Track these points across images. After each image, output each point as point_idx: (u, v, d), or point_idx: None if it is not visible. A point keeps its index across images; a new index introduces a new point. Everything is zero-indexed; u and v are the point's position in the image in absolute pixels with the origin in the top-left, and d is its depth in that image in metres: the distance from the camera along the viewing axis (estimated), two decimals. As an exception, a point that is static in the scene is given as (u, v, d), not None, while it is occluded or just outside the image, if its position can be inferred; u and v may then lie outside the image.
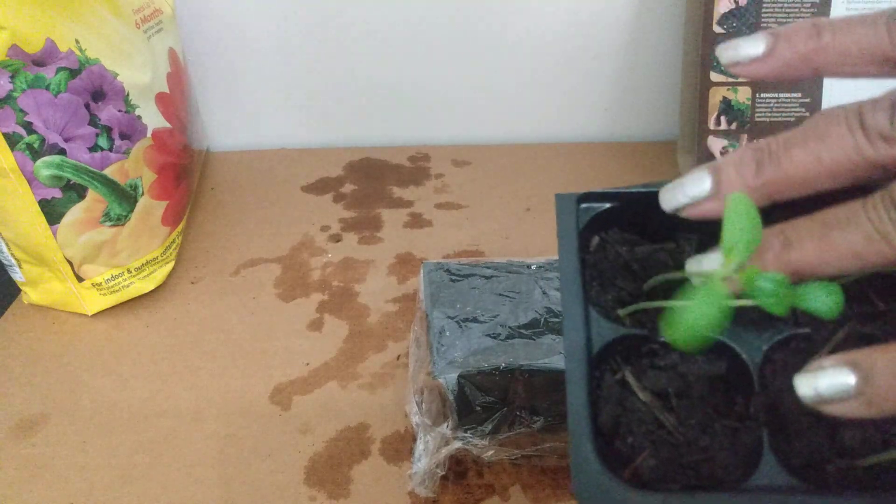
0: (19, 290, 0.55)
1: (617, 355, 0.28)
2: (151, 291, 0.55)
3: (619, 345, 0.28)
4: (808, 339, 0.28)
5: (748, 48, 0.25)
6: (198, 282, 0.57)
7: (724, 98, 0.61)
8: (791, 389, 0.24)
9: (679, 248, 0.29)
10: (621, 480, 0.24)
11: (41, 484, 0.42)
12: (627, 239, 0.31)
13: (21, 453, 0.44)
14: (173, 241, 0.57)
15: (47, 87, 0.45)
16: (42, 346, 0.52)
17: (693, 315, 0.23)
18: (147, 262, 0.54)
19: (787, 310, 0.24)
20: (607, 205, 0.30)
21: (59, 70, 0.45)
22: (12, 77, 0.44)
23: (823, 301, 0.24)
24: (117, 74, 0.49)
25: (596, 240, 0.31)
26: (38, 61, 0.44)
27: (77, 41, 0.46)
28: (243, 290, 0.56)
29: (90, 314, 0.54)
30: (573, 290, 0.28)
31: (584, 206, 0.30)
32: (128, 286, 0.54)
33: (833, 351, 0.26)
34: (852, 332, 0.27)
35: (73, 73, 0.46)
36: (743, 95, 0.61)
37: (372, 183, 0.69)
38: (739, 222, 0.24)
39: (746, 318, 0.27)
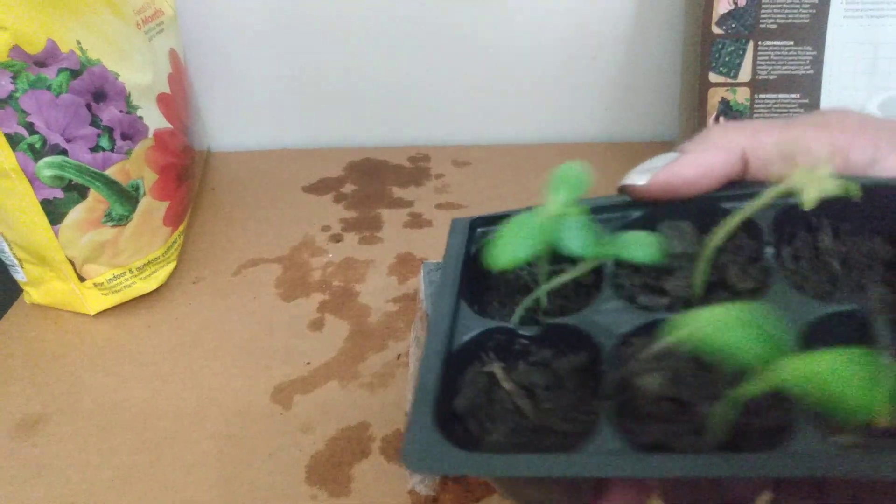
0: (21, 290, 0.56)
1: (490, 352, 0.28)
2: (153, 291, 0.55)
3: (489, 339, 0.28)
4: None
5: (632, 179, 0.30)
6: (199, 282, 0.57)
7: (723, 99, 0.62)
8: (644, 371, 0.25)
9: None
10: (452, 442, 0.23)
11: (42, 483, 0.42)
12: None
13: (22, 453, 0.44)
14: (175, 242, 0.57)
15: (49, 88, 0.45)
16: (43, 346, 0.52)
17: (512, 231, 0.25)
18: (148, 263, 0.54)
19: (590, 251, 0.25)
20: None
21: (60, 71, 0.45)
22: (14, 78, 0.44)
23: (639, 244, 0.26)
24: (118, 75, 0.49)
25: None
26: (40, 62, 0.44)
27: (78, 42, 0.46)
28: (244, 290, 0.56)
29: (92, 314, 0.54)
30: (448, 287, 0.29)
31: (480, 230, 0.32)
32: (129, 286, 0.54)
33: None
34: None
35: (75, 73, 0.46)
36: (742, 96, 0.61)
37: (372, 183, 0.69)
38: (567, 170, 0.28)
39: (608, 310, 0.27)
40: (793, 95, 0.61)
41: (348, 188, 0.69)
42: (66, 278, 0.52)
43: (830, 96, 0.60)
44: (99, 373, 0.49)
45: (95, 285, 0.52)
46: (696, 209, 0.30)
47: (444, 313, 0.28)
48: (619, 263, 0.30)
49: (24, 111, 0.45)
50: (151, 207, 0.54)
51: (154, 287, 0.55)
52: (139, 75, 0.51)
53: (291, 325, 0.53)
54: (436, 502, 0.40)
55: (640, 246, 0.26)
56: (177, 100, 0.57)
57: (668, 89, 0.73)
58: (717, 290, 0.28)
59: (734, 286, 0.28)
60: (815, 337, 0.25)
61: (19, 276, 0.53)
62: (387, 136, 0.76)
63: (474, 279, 0.31)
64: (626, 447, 0.22)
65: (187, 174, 0.60)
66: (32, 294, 0.54)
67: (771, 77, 0.61)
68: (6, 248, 0.51)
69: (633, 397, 0.25)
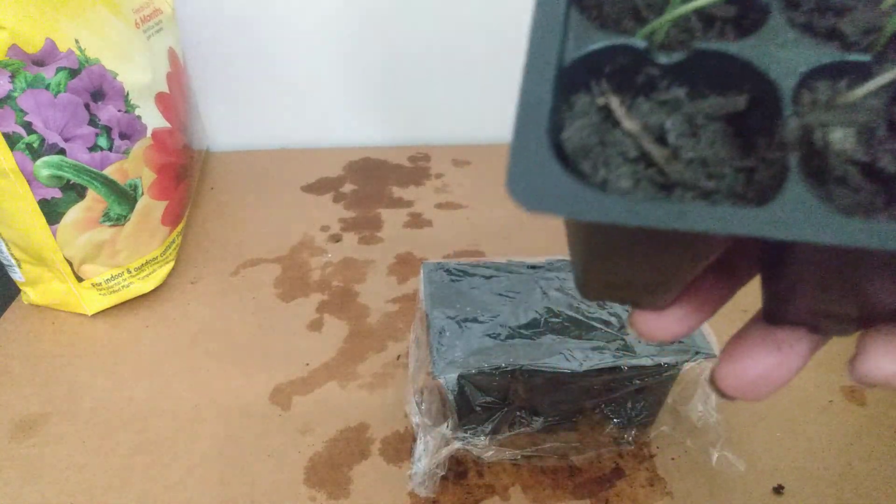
0: (19, 291, 0.55)
1: (603, 80, 0.21)
2: (151, 291, 0.55)
3: (606, 61, 0.21)
4: (866, 70, 0.20)
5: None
6: (197, 282, 0.57)
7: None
8: (839, 123, 0.18)
9: None
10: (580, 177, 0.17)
11: (41, 484, 0.42)
12: None
13: (21, 453, 0.44)
14: (173, 241, 0.57)
15: (47, 87, 0.45)
16: (42, 346, 0.52)
17: None
18: (147, 262, 0.54)
19: None
20: None
21: (58, 70, 0.45)
22: (12, 77, 0.43)
23: None
24: (117, 74, 0.49)
25: None
26: (38, 61, 0.44)
27: (77, 41, 0.46)
28: (243, 290, 0.56)
29: (90, 314, 0.53)
30: None
31: None
32: (127, 286, 0.54)
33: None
34: None
35: (73, 72, 0.46)
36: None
37: (372, 183, 0.69)
38: None
39: (782, 38, 0.20)
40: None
41: (348, 188, 0.68)
42: (63, 278, 0.51)
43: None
44: (97, 373, 0.49)
45: (93, 285, 0.52)
46: None
47: (554, 13, 0.19)
48: None
49: (22, 110, 0.44)
50: (150, 207, 0.54)
51: (152, 287, 0.55)
52: (138, 74, 0.51)
53: (290, 325, 0.53)
54: (436, 504, 0.40)
55: None
56: (175, 99, 0.57)
57: (668, 89, 0.73)
58: None
59: None
60: None
61: (17, 276, 0.53)
62: (387, 136, 0.76)
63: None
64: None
65: (186, 173, 0.60)
66: (30, 294, 0.54)
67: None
68: (4, 248, 0.51)
69: (819, 156, 0.19)
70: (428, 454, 0.38)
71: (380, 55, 0.71)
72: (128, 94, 0.50)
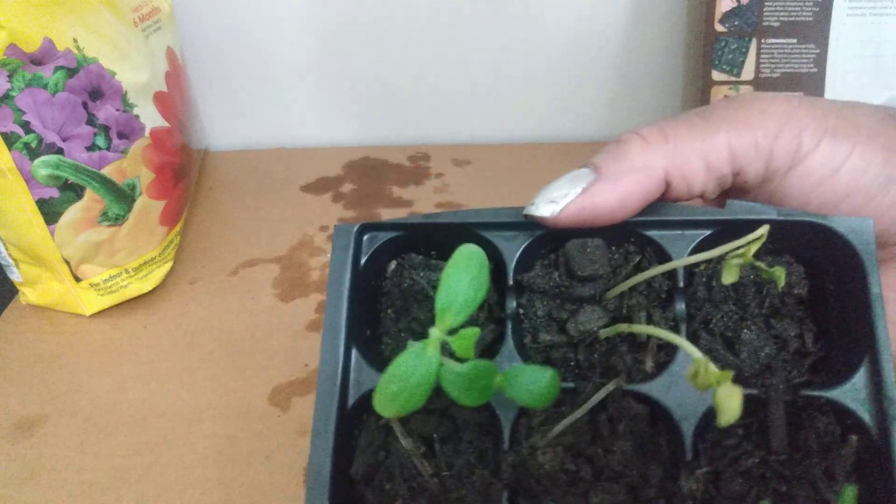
0: (17, 291, 0.55)
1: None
2: (149, 292, 0.55)
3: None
4: (573, 393, 0.27)
5: (538, 210, 0.27)
6: (196, 282, 0.57)
7: (726, 97, 0.61)
8: (545, 448, 0.25)
9: None
10: None
11: (39, 485, 0.42)
12: (427, 263, 0.30)
13: (19, 454, 0.44)
14: (171, 241, 0.57)
15: (45, 87, 0.45)
16: (40, 347, 0.51)
17: (397, 383, 0.21)
18: (145, 262, 0.54)
19: (485, 399, 0.23)
20: (394, 234, 0.29)
21: (56, 69, 0.45)
22: (10, 76, 0.43)
23: (530, 389, 0.23)
24: (115, 73, 0.49)
25: (393, 264, 0.30)
26: (36, 60, 0.44)
27: (75, 40, 0.46)
28: (242, 290, 0.56)
29: (88, 314, 0.53)
30: (335, 331, 0.27)
31: (370, 235, 0.29)
32: (125, 286, 0.53)
33: (598, 408, 0.26)
34: (617, 389, 0.26)
35: (71, 72, 0.46)
36: (744, 94, 0.61)
37: (371, 182, 0.69)
38: (458, 278, 0.22)
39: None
40: (796, 93, 0.61)
41: (347, 187, 0.68)
42: (61, 278, 0.51)
43: (834, 94, 0.60)
44: (96, 374, 0.49)
45: (91, 286, 0.52)
46: (609, 228, 0.28)
47: (332, 374, 0.26)
48: (525, 303, 0.29)
49: (19, 110, 0.44)
50: (148, 207, 0.53)
51: (150, 287, 0.55)
52: (136, 73, 0.51)
53: (290, 325, 0.52)
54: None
55: (536, 387, 0.23)
56: (174, 98, 0.57)
57: (670, 87, 0.72)
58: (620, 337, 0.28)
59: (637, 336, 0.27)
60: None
61: (15, 276, 0.52)
62: (386, 136, 0.75)
63: (365, 296, 0.29)
64: None
65: (184, 173, 0.60)
66: (28, 294, 0.53)
67: (774, 75, 0.60)
68: (1, 248, 0.51)
69: (536, 478, 0.25)
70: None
71: (380, 54, 0.71)
72: (126, 93, 0.50)
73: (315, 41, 0.70)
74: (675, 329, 0.27)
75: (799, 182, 0.27)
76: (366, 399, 0.26)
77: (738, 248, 0.24)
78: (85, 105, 0.47)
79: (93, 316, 0.53)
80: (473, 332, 0.22)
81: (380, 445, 0.27)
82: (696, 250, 0.28)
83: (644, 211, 0.27)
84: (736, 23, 0.60)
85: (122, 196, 0.51)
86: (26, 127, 0.45)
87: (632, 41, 0.70)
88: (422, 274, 0.30)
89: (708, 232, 0.27)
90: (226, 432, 0.44)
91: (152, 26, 0.54)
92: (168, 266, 0.56)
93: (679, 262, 0.26)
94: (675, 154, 0.27)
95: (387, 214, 0.64)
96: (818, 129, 0.27)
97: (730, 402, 0.19)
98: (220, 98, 0.73)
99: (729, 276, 0.24)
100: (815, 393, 0.26)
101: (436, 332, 0.22)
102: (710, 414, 0.25)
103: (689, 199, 0.29)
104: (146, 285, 0.54)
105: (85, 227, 0.50)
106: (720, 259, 0.25)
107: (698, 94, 0.62)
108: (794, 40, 0.59)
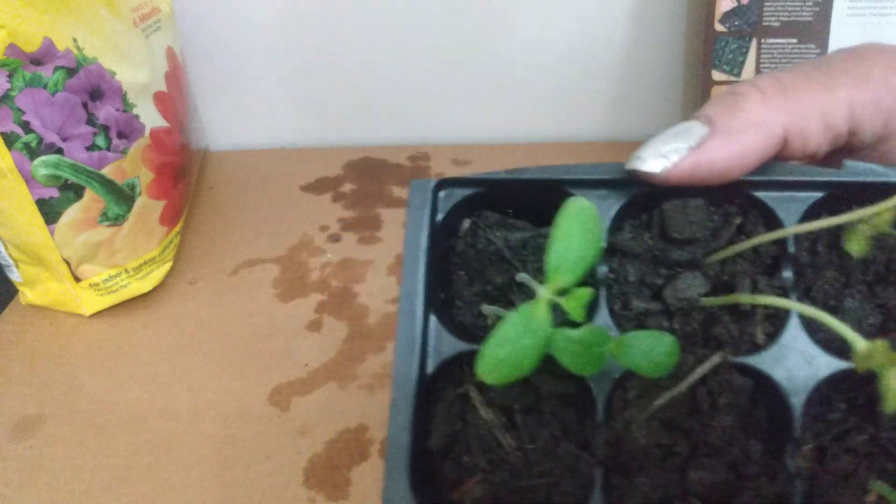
0: (17, 291, 0.55)
1: (465, 365, 0.26)
2: (149, 292, 0.55)
3: (465, 357, 0.25)
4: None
5: (646, 165, 0.25)
6: (196, 282, 0.57)
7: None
8: (640, 423, 0.23)
9: None
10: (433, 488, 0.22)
11: (39, 485, 0.42)
12: (504, 222, 0.28)
13: (19, 454, 0.44)
14: (171, 241, 0.57)
15: (45, 87, 0.45)
16: (40, 347, 0.51)
17: (505, 347, 0.20)
18: (145, 263, 0.54)
19: (597, 368, 0.21)
20: (473, 190, 0.27)
21: (56, 69, 0.45)
22: (10, 76, 0.43)
23: (649, 356, 0.21)
24: (115, 73, 0.49)
25: (467, 223, 0.28)
26: (36, 60, 0.44)
27: (75, 40, 0.46)
28: (241, 290, 0.56)
29: (88, 315, 0.53)
30: (412, 295, 0.25)
31: (446, 192, 0.27)
32: (125, 286, 0.53)
33: (697, 381, 0.24)
34: (724, 362, 0.24)
35: (71, 72, 0.46)
36: (744, 95, 0.61)
37: (371, 182, 0.69)
38: (571, 234, 0.20)
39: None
40: None
41: (347, 187, 0.68)
42: (61, 278, 0.51)
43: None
44: (95, 374, 0.49)
45: (91, 286, 0.52)
46: (712, 188, 0.26)
47: (411, 344, 0.25)
48: (616, 267, 0.27)
49: (19, 110, 0.44)
50: (148, 207, 0.53)
51: (150, 287, 0.55)
52: (136, 73, 0.51)
53: (289, 326, 0.52)
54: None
55: (655, 354, 0.22)
56: (174, 98, 0.57)
57: (670, 88, 0.72)
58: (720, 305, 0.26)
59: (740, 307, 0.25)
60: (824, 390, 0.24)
61: (15, 276, 0.52)
62: (386, 136, 0.75)
63: (442, 257, 0.27)
64: None
65: (184, 173, 0.60)
66: (28, 294, 0.53)
67: (773, 76, 0.60)
68: (1, 249, 0.51)
69: (630, 452, 0.24)
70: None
71: (380, 54, 0.71)
72: (126, 93, 0.50)
73: (315, 41, 0.70)
74: (783, 297, 0.25)
75: None
76: (445, 367, 0.25)
77: (870, 214, 0.22)
78: (85, 105, 0.47)
79: (93, 316, 0.53)
80: (587, 293, 0.21)
81: (457, 417, 0.25)
82: (807, 214, 0.26)
83: (756, 170, 0.25)
84: (736, 23, 0.60)
85: (122, 196, 0.51)
86: (26, 127, 0.45)
87: (632, 41, 0.70)
88: (498, 234, 0.28)
89: (820, 194, 0.25)
90: (225, 432, 0.44)
91: (152, 26, 0.54)
92: (168, 266, 0.56)
93: (800, 228, 0.24)
94: (795, 110, 0.25)
95: (387, 214, 0.64)
96: None
97: None
98: (220, 98, 0.73)
99: (855, 245, 0.22)
100: None
101: (546, 293, 0.20)
102: (820, 388, 0.24)
103: (803, 158, 0.26)
104: (146, 285, 0.54)
105: (85, 227, 0.50)
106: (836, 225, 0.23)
107: (698, 95, 0.62)
108: (795, 40, 0.59)
